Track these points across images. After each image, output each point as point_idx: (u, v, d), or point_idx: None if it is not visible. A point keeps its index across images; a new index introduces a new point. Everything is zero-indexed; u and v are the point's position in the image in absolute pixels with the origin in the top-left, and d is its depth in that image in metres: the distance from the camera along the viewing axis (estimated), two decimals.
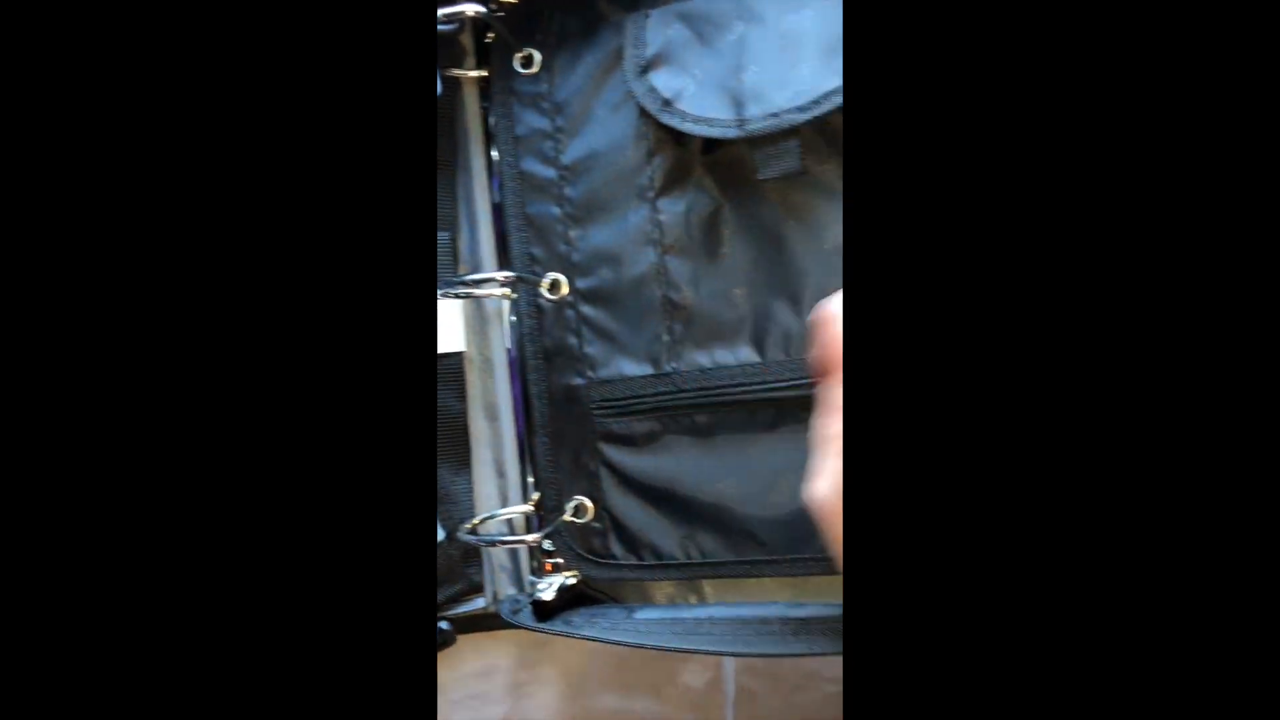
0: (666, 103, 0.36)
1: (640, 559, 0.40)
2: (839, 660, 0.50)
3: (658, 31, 0.36)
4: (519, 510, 0.42)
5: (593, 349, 0.40)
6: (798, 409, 0.36)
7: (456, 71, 0.41)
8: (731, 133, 0.34)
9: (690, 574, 0.40)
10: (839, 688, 0.50)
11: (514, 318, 0.42)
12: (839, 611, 0.37)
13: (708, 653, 0.37)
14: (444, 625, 0.41)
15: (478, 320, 0.43)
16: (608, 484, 0.40)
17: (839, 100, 0.33)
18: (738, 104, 0.34)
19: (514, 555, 0.43)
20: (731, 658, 0.50)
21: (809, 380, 0.36)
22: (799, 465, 0.37)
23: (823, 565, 0.37)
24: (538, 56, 0.40)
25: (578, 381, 0.40)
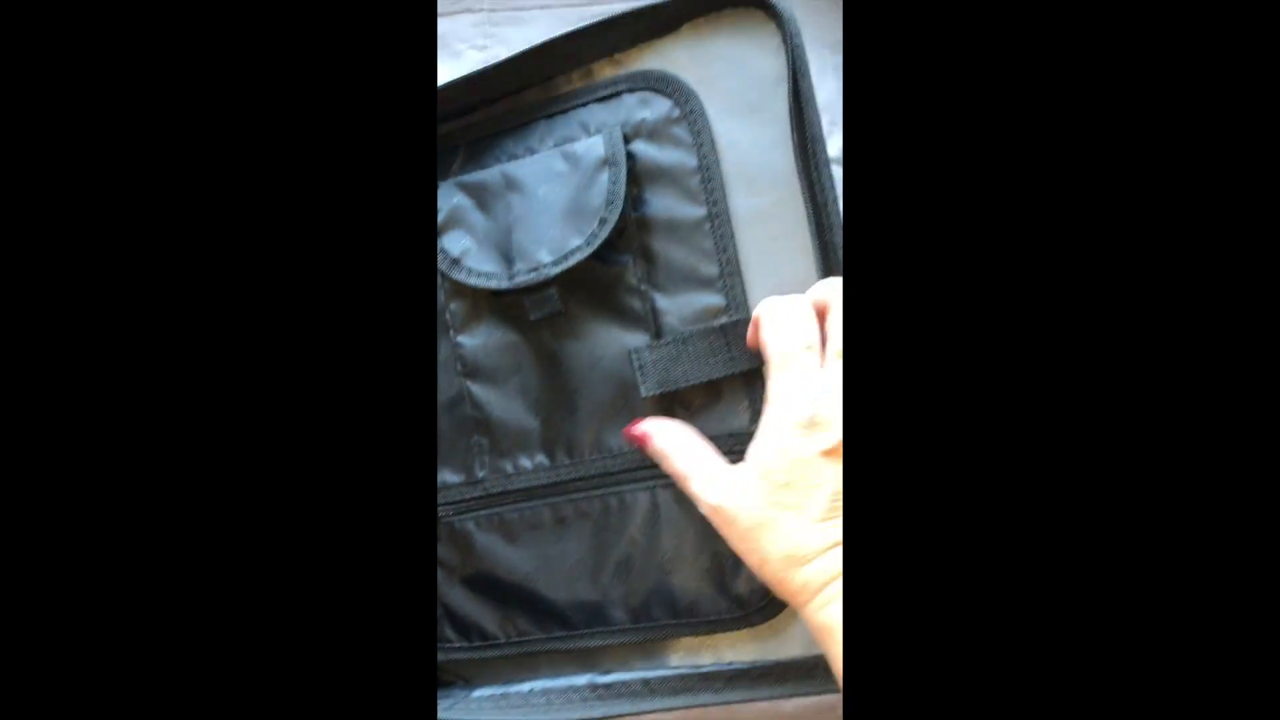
0: (455, 261, 0.43)
1: (470, 641, 0.46)
2: None
3: (445, 199, 0.44)
4: None
5: None
6: (583, 504, 0.43)
7: None
8: (505, 284, 0.42)
9: (511, 651, 0.46)
10: None
11: None
12: (641, 675, 0.43)
13: None
14: None
15: None
16: (441, 577, 0.47)
17: (581, 255, 0.40)
18: (508, 260, 0.42)
19: None
20: None
21: (594, 478, 0.43)
22: (590, 556, 0.44)
23: (618, 637, 0.44)
24: None
25: None
